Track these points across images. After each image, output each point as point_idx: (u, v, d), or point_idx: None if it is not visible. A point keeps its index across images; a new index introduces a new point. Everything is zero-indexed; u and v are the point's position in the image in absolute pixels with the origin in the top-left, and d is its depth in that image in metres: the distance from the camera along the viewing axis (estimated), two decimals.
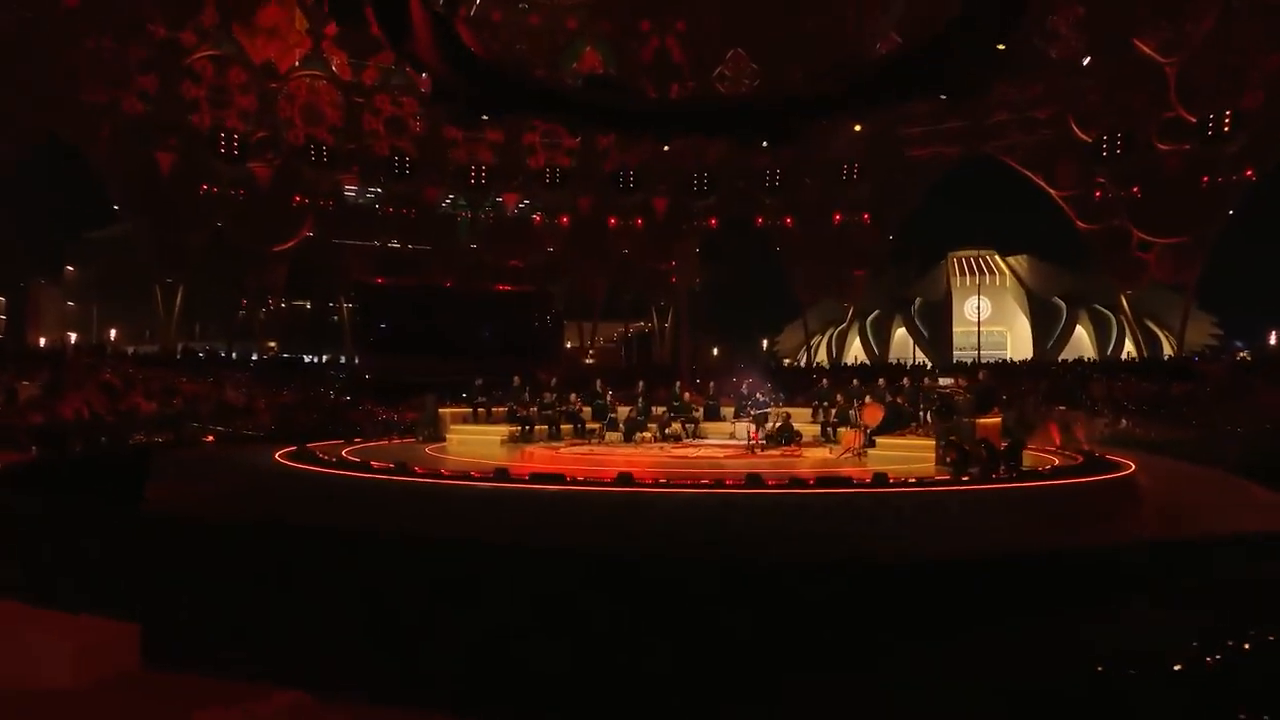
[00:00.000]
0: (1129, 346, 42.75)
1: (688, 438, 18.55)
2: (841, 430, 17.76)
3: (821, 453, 16.68)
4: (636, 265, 43.40)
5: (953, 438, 13.18)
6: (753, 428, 18.18)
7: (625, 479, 10.80)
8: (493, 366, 30.59)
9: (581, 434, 18.72)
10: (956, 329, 47.28)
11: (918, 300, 49.00)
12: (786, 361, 46.97)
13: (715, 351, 49.91)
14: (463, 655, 5.98)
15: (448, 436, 18.42)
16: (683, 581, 6.41)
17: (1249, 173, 32.29)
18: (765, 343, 52.36)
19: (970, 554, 7.73)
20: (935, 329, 47.53)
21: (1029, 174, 37.24)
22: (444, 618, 6.19)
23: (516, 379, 20.01)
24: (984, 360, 40.73)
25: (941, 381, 17.00)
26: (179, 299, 36.89)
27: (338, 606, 6.35)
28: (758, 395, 19.32)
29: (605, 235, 42.42)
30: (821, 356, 50.16)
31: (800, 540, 9.90)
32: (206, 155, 34.82)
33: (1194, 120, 32.11)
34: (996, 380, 16.96)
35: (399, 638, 6.10)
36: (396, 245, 42.07)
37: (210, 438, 19.54)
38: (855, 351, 47.61)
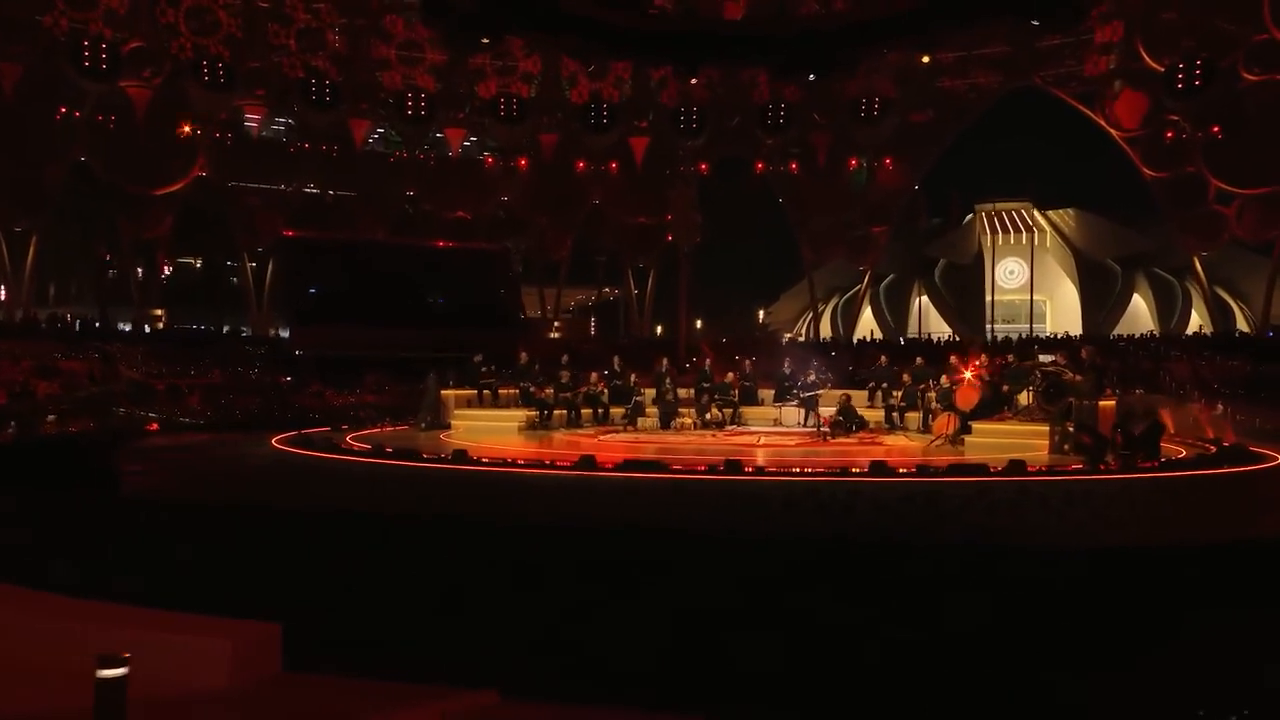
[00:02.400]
0: (1196, 318, 42.75)
1: (729, 424, 18.87)
2: (907, 415, 18.24)
3: (900, 439, 17.00)
4: (610, 219, 42.12)
5: (1085, 423, 13.60)
6: (804, 412, 18.52)
7: (734, 466, 11.16)
8: (449, 340, 30.34)
9: (602, 419, 18.90)
10: (990, 297, 46.22)
11: (941, 263, 47.75)
12: (787, 336, 47.34)
13: (699, 324, 50.02)
14: (656, 650, 6.45)
15: (452, 423, 18.38)
16: (912, 567, 6.67)
17: None
18: (761, 314, 52.72)
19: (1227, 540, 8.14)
20: (963, 297, 46.57)
21: (1085, 110, 36.70)
22: (634, 611, 6.61)
23: (524, 356, 20.15)
24: (1037, 334, 41.56)
25: (1041, 359, 17.43)
26: (31, 252, 34.67)
27: (498, 600, 6.81)
28: (809, 375, 19.64)
29: (572, 181, 40.96)
30: (825, 329, 50.70)
31: (951, 530, 10.17)
32: (64, 68, 32.39)
33: None
34: (1104, 358, 17.38)
35: (584, 632, 6.57)
36: (313, 190, 40.00)
37: (154, 425, 19.23)
38: (867, 323, 48.15)
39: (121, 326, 35.66)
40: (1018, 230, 49.24)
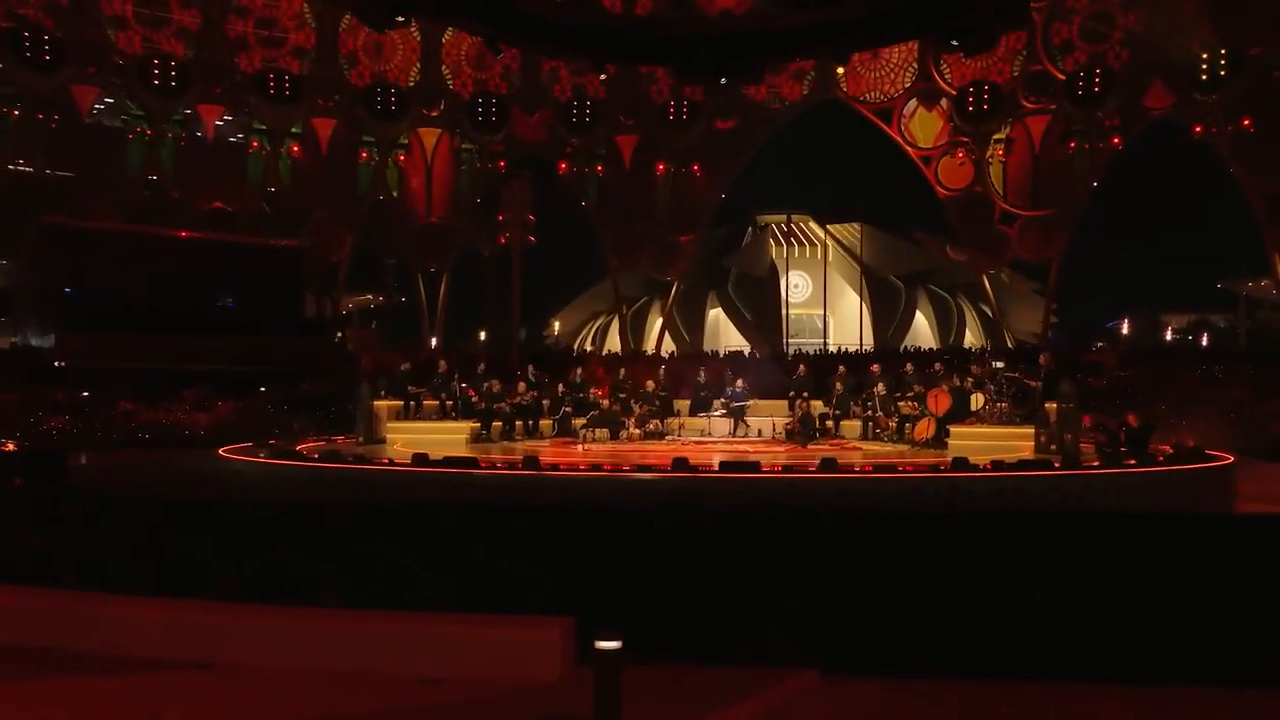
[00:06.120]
0: (969, 335, 47.95)
1: (669, 434, 19.27)
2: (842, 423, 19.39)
3: (871, 444, 18.00)
4: (396, 217, 40.58)
5: (1073, 426, 15.13)
6: (733, 422, 19.22)
7: (830, 464, 12.31)
8: (245, 349, 28.13)
9: (532, 431, 19.20)
10: (785, 310, 48.58)
11: (734, 273, 49.32)
12: (590, 349, 47.53)
13: (482, 335, 49.33)
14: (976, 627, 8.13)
15: (388, 436, 18.13)
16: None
17: (1116, 141, 36.87)
18: (556, 325, 52.68)
19: None
20: (759, 309, 48.43)
21: (883, 126, 39.95)
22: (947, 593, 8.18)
23: (443, 365, 20.06)
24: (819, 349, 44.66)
25: (995, 365, 19.10)
26: None
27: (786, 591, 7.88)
28: (737, 385, 20.45)
29: (352, 174, 39.41)
30: (613, 342, 51.37)
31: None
32: None
33: (1062, 77, 36.50)
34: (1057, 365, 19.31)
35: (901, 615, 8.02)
36: (25, 168, 35.53)
37: (11, 445, 16.45)
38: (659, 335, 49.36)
39: None
40: (800, 244, 52.43)
